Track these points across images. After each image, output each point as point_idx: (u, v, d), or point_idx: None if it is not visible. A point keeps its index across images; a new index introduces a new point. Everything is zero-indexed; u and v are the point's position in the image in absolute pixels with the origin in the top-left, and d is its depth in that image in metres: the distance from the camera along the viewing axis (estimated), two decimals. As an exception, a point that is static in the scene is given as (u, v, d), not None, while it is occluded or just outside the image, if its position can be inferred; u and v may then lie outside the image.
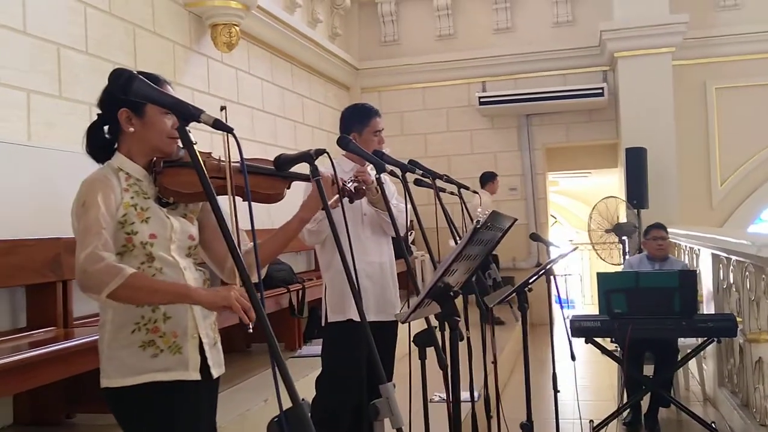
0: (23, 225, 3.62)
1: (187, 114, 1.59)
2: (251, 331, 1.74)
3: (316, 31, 8.37)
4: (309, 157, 2.10)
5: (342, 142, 2.67)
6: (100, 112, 2.06)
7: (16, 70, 3.96)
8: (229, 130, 1.55)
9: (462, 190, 3.81)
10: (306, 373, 4.34)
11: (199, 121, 1.57)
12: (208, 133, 4.62)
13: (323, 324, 3.39)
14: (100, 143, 2.07)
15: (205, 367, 2.05)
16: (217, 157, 2.11)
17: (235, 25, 6.05)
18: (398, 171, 2.83)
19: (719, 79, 8.89)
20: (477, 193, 4.61)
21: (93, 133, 2.07)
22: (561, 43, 9.28)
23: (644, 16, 8.38)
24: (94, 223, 1.87)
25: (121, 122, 2.00)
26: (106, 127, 2.07)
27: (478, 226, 1.97)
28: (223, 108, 1.89)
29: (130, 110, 1.98)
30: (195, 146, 1.56)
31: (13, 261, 3.35)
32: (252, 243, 1.83)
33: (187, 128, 1.59)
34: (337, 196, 2.28)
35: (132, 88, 1.60)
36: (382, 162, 2.62)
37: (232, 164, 1.93)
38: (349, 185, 2.43)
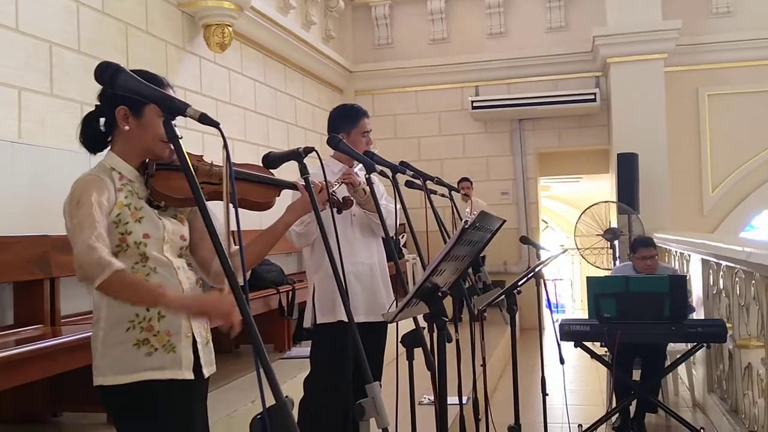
0: (14, 222, 3.60)
1: (173, 108, 1.57)
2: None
3: (309, 33, 8.37)
4: (298, 155, 2.11)
5: (332, 142, 2.66)
6: (98, 103, 2.05)
7: (8, 68, 3.95)
8: (215, 125, 1.53)
9: (453, 192, 3.82)
10: (294, 375, 4.34)
11: (185, 115, 1.55)
12: (200, 133, 4.55)
13: (310, 326, 3.37)
14: (94, 135, 2.07)
15: (197, 366, 2.05)
16: (210, 162, 2.10)
17: (228, 25, 6.04)
18: (388, 172, 2.82)
19: (711, 85, 8.91)
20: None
21: (88, 124, 2.07)
22: (554, 48, 9.29)
23: (637, 22, 8.42)
24: (87, 218, 1.87)
25: (118, 119, 1.99)
26: (102, 120, 2.06)
27: (467, 226, 1.97)
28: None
29: (128, 108, 1.98)
30: (181, 142, 1.54)
31: (1, 258, 3.33)
32: (237, 246, 1.82)
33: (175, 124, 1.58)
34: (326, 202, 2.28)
35: (117, 81, 1.59)
36: (372, 162, 2.61)
37: (222, 170, 1.92)
38: (336, 193, 2.42)
